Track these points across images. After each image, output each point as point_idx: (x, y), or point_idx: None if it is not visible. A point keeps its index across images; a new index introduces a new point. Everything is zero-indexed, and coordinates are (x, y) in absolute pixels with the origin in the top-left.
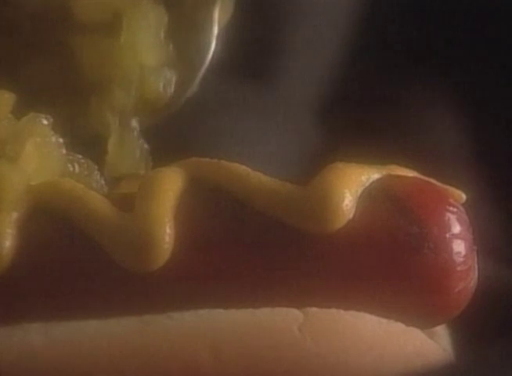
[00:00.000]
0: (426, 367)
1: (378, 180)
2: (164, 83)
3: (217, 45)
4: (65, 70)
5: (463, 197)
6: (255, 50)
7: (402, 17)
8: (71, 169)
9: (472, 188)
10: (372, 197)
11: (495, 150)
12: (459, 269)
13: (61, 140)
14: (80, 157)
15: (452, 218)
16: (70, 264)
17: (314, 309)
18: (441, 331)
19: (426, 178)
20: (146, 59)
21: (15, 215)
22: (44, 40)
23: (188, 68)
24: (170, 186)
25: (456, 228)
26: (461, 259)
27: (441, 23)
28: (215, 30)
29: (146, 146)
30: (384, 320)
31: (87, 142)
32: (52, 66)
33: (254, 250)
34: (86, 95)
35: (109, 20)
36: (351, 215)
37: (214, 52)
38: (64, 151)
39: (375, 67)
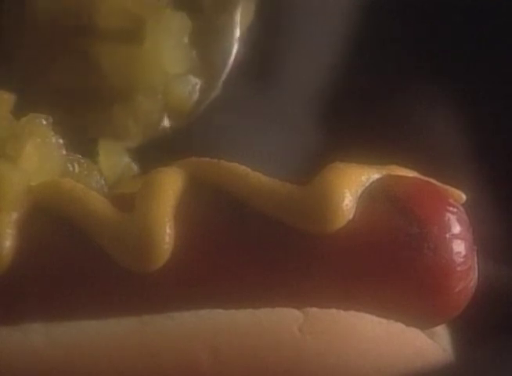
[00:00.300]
0: (426, 367)
1: (378, 180)
2: (189, 90)
3: (239, 48)
4: (88, 78)
5: (463, 197)
6: (256, 50)
7: (402, 18)
8: (71, 169)
9: (472, 188)
10: (372, 197)
11: (495, 150)
12: (459, 269)
13: (61, 141)
14: (80, 156)
15: (452, 218)
16: (70, 264)
17: (314, 309)
18: (441, 331)
19: (426, 178)
20: (169, 67)
21: (15, 215)
22: (66, 48)
23: (210, 71)
24: (170, 186)
25: (456, 228)
26: (461, 259)
27: (440, 23)
28: (237, 33)
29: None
30: (384, 320)
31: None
32: (74, 74)
33: (254, 250)
34: (109, 103)
35: (131, 28)
36: (351, 216)
37: (236, 55)
38: (64, 152)
39: (375, 68)
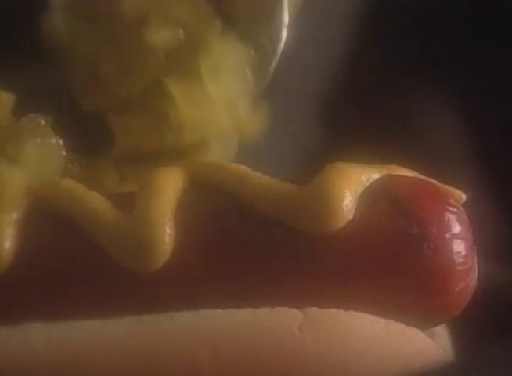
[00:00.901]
0: (426, 367)
1: (378, 180)
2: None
3: (288, 34)
4: (163, 137)
5: (463, 197)
6: None
7: (403, 19)
8: (71, 169)
9: (472, 188)
10: (372, 197)
11: (495, 150)
12: (459, 269)
13: (61, 141)
14: (80, 156)
15: (452, 218)
16: (70, 264)
17: (314, 309)
18: (441, 331)
19: (426, 178)
20: (238, 105)
21: (15, 216)
22: (138, 110)
23: (261, 60)
24: (170, 186)
25: (456, 228)
26: (461, 259)
27: (442, 25)
28: (286, 19)
29: None
30: (384, 320)
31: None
32: (149, 136)
33: (254, 250)
34: (186, 155)
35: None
36: (351, 216)
37: (286, 42)
38: (64, 152)
39: (375, 68)
